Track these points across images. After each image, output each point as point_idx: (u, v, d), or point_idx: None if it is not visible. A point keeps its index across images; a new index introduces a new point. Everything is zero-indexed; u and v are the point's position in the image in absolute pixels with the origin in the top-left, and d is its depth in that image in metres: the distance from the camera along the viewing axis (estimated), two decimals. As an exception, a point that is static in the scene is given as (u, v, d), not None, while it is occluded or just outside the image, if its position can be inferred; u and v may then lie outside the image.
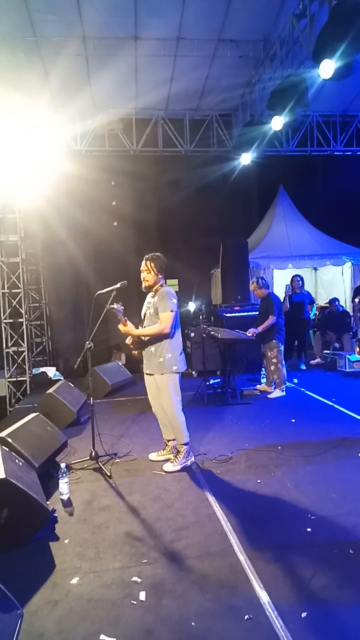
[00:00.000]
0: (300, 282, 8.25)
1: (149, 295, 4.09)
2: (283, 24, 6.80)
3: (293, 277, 8.34)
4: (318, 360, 8.76)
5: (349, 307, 9.98)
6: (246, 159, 8.71)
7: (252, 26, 7.12)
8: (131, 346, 4.14)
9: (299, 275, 8.41)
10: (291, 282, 8.23)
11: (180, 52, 7.49)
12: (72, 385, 6.08)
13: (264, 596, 2.31)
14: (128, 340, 4.10)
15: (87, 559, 2.74)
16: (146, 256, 4.00)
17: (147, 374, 4.08)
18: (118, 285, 4.07)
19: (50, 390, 5.43)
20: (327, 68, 4.92)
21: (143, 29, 6.92)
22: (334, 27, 4.70)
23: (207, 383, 6.53)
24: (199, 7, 6.57)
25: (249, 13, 6.76)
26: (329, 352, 8.73)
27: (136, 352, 4.15)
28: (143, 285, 4.04)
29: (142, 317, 4.14)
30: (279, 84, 6.55)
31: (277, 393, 6.39)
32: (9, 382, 8.59)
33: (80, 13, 6.47)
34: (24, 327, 8.54)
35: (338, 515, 3.06)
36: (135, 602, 2.33)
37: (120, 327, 3.97)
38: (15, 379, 8.60)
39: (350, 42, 4.56)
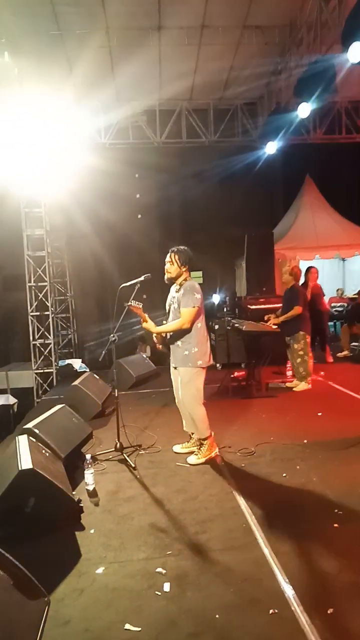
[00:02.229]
0: (316, 274, 8.07)
1: (173, 288, 4.07)
2: (310, 7, 6.61)
3: (310, 268, 8.16)
4: (345, 352, 8.58)
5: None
6: (272, 148, 8.55)
7: (277, 11, 6.96)
8: (156, 341, 4.17)
9: (315, 267, 8.23)
10: (308, 274, 8.05)
11: (204, 41, 7.39)
12: (98, 377, 6.13)
13: (288, 590, 2.29)
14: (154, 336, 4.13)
15: (112, 549, 2.77)
16: (172, 248, 3.98)
17: (173, 367, 4.08)
18: (142, 277, 4.08)
19: (76, 382, 5.50)
20: (357, 51, 4.76)
21: (167, 17, 6.85)
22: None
23: (232, 375, 6.49)
24: (223, -7, 6.45)
25: (274, -3, 6.61)
26: (357, 344, 8.55)
27: (160, 346, 4.15)
28: (165, 277, 4.02)
29: (167, 311, 4.13)
30: (305, 69, 6.38)
31: (303, 386, 6.30)
32: (35, 373, 8.74)
33: (103, 4, 6.45)
34: (50, 319, 8.66)
35: (365, 511, 3.01)
36: (159, 593, 2.35)
37: (142, 323, 4.00)
38: (42, 371, 8.74)
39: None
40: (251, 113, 9.35)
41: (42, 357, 8.69)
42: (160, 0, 6.48)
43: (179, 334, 3.93)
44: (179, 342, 3.95)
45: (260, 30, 7.38)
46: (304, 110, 6.62)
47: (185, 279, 3.97)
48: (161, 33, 7.19)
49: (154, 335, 4.11)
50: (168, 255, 3.98)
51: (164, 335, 4.08)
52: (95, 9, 6.52)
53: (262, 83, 8.79)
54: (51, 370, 8.67)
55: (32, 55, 7.20)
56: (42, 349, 8.68)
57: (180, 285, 3.95)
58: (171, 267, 3.95)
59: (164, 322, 4.12)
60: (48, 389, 8.55)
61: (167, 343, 4.08)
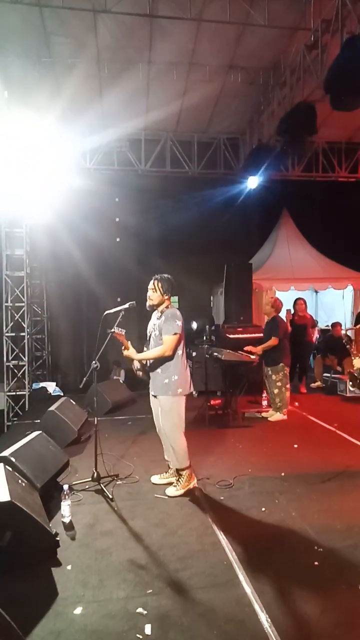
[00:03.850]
0: (304, 305, 8.32)
1: (155, 315, 4.10)
2: (293, 53, 6.95)
3: (298, 299, 8.40)
4: (318, 383, 8.75)
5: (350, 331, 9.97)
6: (253, 182, 8.83)
7: (262, 54, 7.27)
8: (135, 368, 4.16)
9: (302, 298, 8.47)
10: (295, 305, 8.29)
11: (191, 77, 7.64)
12: (74, 403, 6.03)
13: (272, 633, 2.26)
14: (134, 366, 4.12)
15: (90, 587, 2.69)
16: (155, 276, 4.02)
17: (153, 395, 4.06)
18: (127, 305, 4.09)
19: (53, 408, 5.39)
20: (336, 100, 5.02)
21: (157, 53, 7.06)
22: (346, 59, 4.80)
23: (208, 404, 6.49)
24: (212, 34, 6.71)
25: (260, 42, 6.90)
26: (329, 375, 8.73)
27: (141, 373, 4.14)
28: (147, 304, 4.05)
29: (147, 338, 4.14)
30: (288, 111, 6.67)
31: (278, 416, 6.35)
32: (7, 395, 8.51)
33: (96, 36, 6.60)
34: (26, 341, 8.50)
35: (345, 548, 3.02)
36: (140, 636, 2.28)
37: (123, 350, 3.99)
38: (14, 393, 8.52)
39: (362, 75, 4.66)
40: (233, 147, 9.65)
41: (15, 378, 8.49)
42: (151, 37, 6.68)
43: (160, 361, 3.93)
44: (159, 370, 3.95)
45: (245, 71, 7.69)
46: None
47: (166, 306, 4.01)
48: (150, 67, 7.40)
49: (134, 362, 4.10)
50: (151, 282, 4.02)
51: (144, 362, 4.08)
52: (88, 40, 6.67)
53: (244, 119, 9.12)
54: (24, 392, 8.46)
55: (21, 79, 7.27)
56: (15, 370, 8.48)
57: (162, 312, 3.98)
58: (153, 294, 3.99)
59: (145, 348, 4.12)
60: (20, 412, 8.33)
61: (147, 370, 4.07)
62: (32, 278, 9.09)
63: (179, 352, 3.95)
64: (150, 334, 4.09)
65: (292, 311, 8.42)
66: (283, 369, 6.27)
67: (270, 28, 6.34)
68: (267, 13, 6.13)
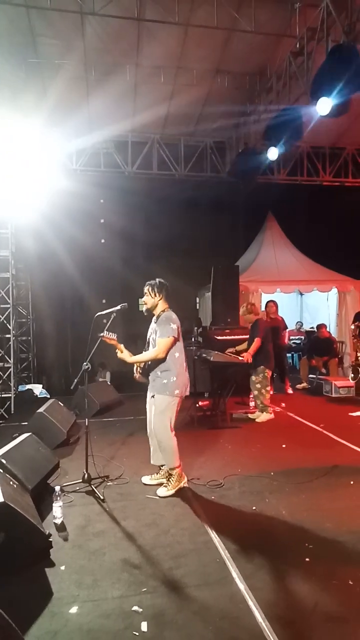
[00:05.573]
0: (274, 307, 8.43)
1: (153, 320, 4.16)
2: (279, 59, 7.06)
3: (268, 302, 8.51)
4: (304, 384, 8.86)
5: (334, 333, 10.13)
6: (241, 186, 8.92)
7: (249, 59, 7.38)
8: (135, 371, 4.22)
9: (273, 301, 8.60)
10: (266, 308, 8.40)
11: (178, 80, 7.70)
12: (62, 405, 6.00)
13: (267, 629, 2.30)
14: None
15: (85, 587, 2.69)
16: (149, 282, 4.11)
17: (151, 396, 4.09)
18: (118, 307, 4.12)
19: (41, 410, 5.35)
20: (324, 106, 5.13)
21: (144, 57, 7.11)
22: (332, 67, 4.91)
23: (197, 405, 6.53)
24: (199, 38, 6.78)
25: (247, 47, 7.01)
26: (314, 376, 8.86)
27: (137, 375, 4.17)
28: (144, 308, 4.14)
29: (147, 342, 4.19)
30: (275, 116, 6.77)
31: (265, 416, 6.42)
32: (-8, 398, 8.41)
33: (84, 39, 6.61)
34: (11, 342, 8.42)
35: (335, 545, 3.09)
36: (137, 633, 2.30)
37: (117, 353, 4.02)
38: (-1, 396, 8.43)
39: (347, 82, 4.77)
40: (220, 151, 9.74)
41: (1, 381, 8.40)
42: (139, 40, 6.73)
43: (158, 363, 3.98)
44: (158, 372, 4.01)
45: (231, 75, 7.79)
46: (273, 153, 6.98)
47: (163, 310, 4.07)
48: (138, 70, 7.43)
49: (135, 366, 4.15)
50: (144, 288, 4.10)
51: (141, 365, 4.12)
52: (75, 42, 6.68)
53: (231, 123, 9.20)
54: (9, 395, 8.37)
55: (8, 80, 7.23)
56: (0, 372, 8.39)
57: (158, 316, 4.05)
58: (147, 298, 4.11)
59: (144, 352, 4.16)
60: (5, 415, 8.23)
61: (147, 372, 4.11)
62: (17, 279, 9.00)
63: (176, 354, 4.00)
64: (149, 338, 4.15)
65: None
66: (263, 371, 6.33)
67: (257, 34, 6.43)
68: (253, 20, 6.23)
